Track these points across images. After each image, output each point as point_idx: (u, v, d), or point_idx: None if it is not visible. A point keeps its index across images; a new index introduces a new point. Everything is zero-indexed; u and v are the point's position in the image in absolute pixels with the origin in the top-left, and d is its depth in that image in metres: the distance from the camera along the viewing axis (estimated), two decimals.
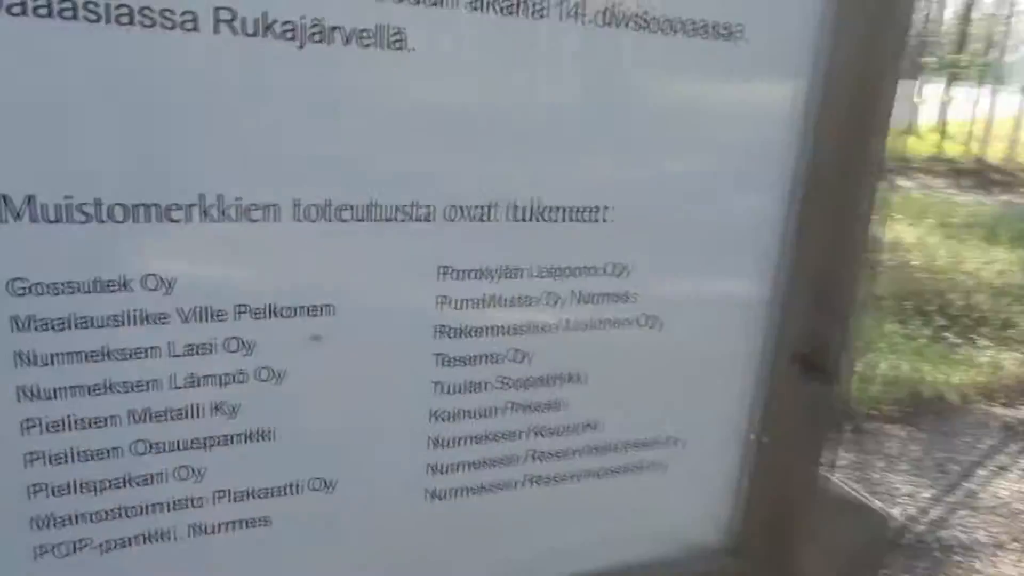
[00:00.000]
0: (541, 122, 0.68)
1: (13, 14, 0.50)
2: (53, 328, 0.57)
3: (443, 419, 0.72)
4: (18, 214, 0.54)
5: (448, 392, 0.72)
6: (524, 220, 0.69)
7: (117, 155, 0.56)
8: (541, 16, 0.64)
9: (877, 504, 1.06)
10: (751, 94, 0.76)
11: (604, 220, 0.72)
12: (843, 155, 0.80)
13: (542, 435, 0.77)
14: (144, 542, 0.65)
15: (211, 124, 0.57)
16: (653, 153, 0.73)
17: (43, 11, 0.51)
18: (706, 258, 0.79)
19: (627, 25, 0.68)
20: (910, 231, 6.90)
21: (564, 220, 0.71)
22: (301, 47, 0.58)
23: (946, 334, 5.17)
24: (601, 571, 0.84)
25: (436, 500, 0.75)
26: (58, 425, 0.59)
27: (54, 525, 0.62)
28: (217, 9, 0.55)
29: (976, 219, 7.71)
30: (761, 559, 0.91)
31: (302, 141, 0.60)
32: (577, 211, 0.71)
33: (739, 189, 0.78)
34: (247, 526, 0.68)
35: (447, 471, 0.74)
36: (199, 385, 0.63)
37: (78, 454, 0.61)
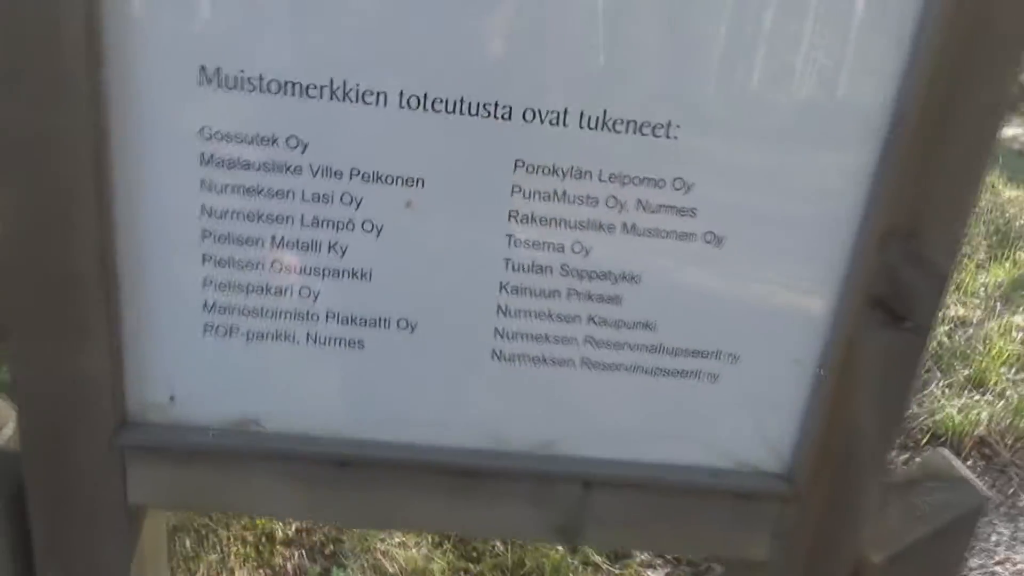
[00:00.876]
0: (611, 37, 0.78)
1: None
2: (226, 166, 0.81)
3: (510, 292, 0.87)
4: (209, 79, 0.78)
5: (516, 269, 0.86)
6: (593, 129, 0.81)
7: (276, 43, 0.77)
8: None
9: (970, 476, 1.01)
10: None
11: (670, 136, 0.81)
12: (955, 81, 0.78)
13: (598, 324, 0.88)
14: (274, 339, 0.87)
15: (344, 22, 0.76)
16: (726, 75, 0.80)
17: None
18: (776, 187, 0.84)
19: None
20: None
21: (630, 132, 0.81)
22: None
23: None
24: (647, 463, 0.94)
25: (500, 361, 0.89)
26: (224, 238, 0.83)
27: (217, 312, 0.86)
28: None
29: None
30: (814, 494, 0.94)
31: (407, 42, 0.77)
32: (643, 126, 0.81)
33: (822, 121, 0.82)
34: (346, 345, 0.88)
35: (511, 337, 0.88)
36: (319, 227, 0.83)
37: (234, 262, 0.84)
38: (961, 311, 4.12)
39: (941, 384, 3.43)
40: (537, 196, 0.83)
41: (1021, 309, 4.19)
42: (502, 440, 0.92)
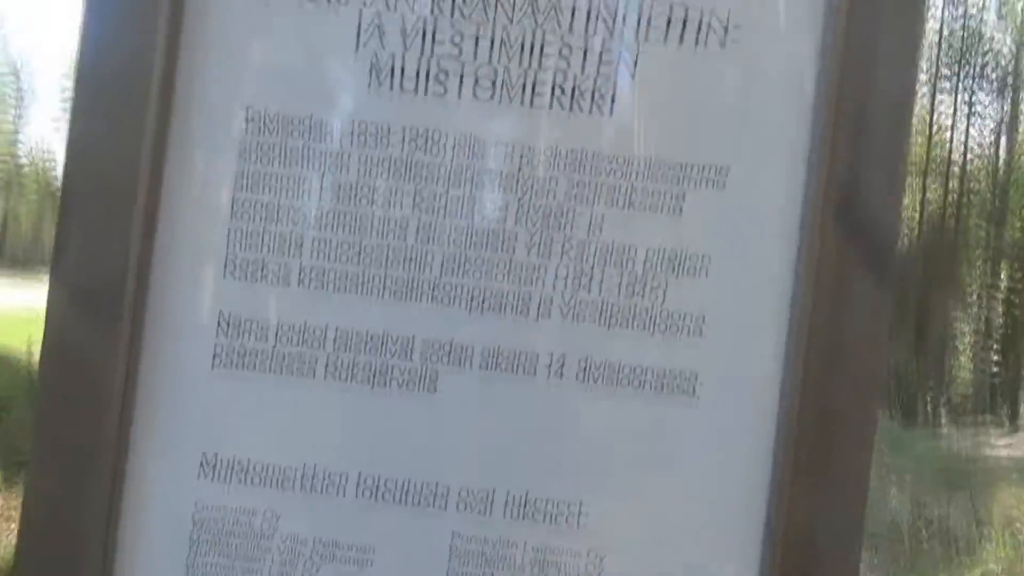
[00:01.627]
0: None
1: None
2: (212, 541, 0.98)
3: None
4: (208, 465, 0.98)
5: None
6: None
7: (266, 434, 0.98)
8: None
9: None
10: None
11: (582, 515, 0.97)
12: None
13: None
14: None
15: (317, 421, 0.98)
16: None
17: None
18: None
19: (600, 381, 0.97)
20: None
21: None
22: None
23: None
24: None
25: None
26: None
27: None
28: None
29: None
30: None
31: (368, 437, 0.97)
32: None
33: None
34: None
35: None
36: None
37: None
38: None
39: None
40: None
41: None
42: None
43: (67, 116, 0.99)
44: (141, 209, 0.94)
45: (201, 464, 0.97)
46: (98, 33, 0.97)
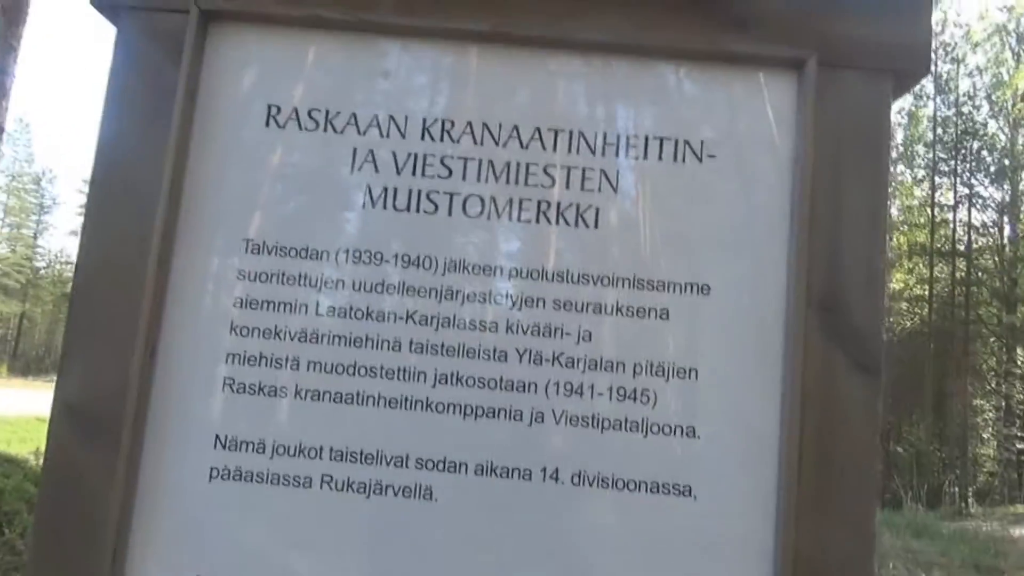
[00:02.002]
0: None
1: None
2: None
3: None
4: None
5: None
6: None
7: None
8: None
9: None
10: None
11: None
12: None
13: None
14: None
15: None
16: None
17: None
18: None
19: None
20: None
21: None
22: None
23: None
24: None
25: None
26: None
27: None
28: None
29: None
30: None
31: None
32: None
33: None
34: None
35: None
36: None
37: None
38: None
39: None
40: None
41: None
42: None
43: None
44: (144, 329, 0.97)
45: (198, 575, 0.97)
46: (110, 156, 1.03)
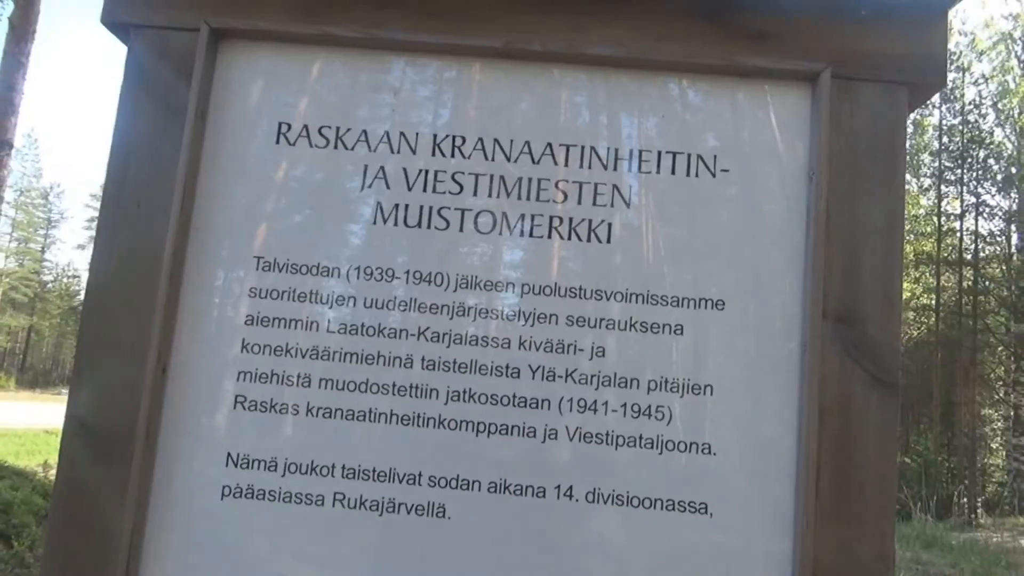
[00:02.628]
0: None
1: None
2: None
3: None
4: None
5: None
6: None
7: None
8: None
9: None
10: None
11: None
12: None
13: None
14: None
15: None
16: None
17: None
18: None
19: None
20: None
21: None
22: None
23: None
24: None
25: None
26: None
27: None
28: None
29: None
30: None
31: None
32: None
33: None
34: None
35: None
36: None
37: None
38: None
39: None
40: None
41: None
42: None
43: (91, 239, 1.04)
44: (155, 346, 0.97)
45: None
46: (121, 174, 1.02)
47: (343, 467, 0.98)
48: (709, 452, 0.98)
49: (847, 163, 1.01)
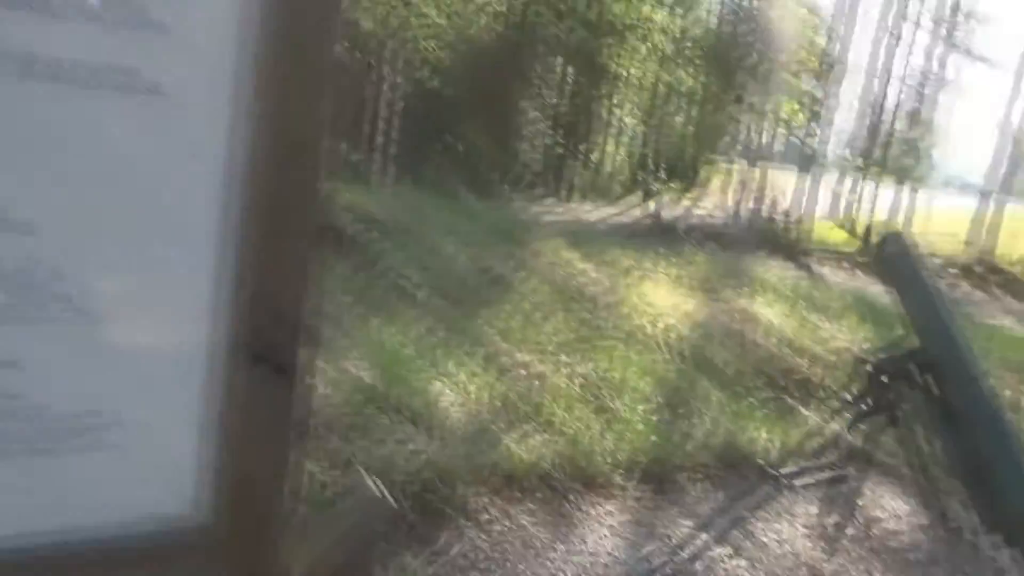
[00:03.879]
0: None
1: None
2: None
3: None
4: None
5: None
6: None
7: None
8: None
9: (374, 489, 1.21)
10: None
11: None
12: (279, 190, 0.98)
13: None
14: None
15: None
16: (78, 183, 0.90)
17: None
18: (141, 267, 0.96)
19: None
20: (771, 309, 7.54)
21: None
22: None
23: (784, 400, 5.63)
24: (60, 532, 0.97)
25: None
26: None
27: None
28: None
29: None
30: (233, 535, 1.05)
31: None
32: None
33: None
34: None
35: None
36: None
37: None
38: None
39: None
40: None
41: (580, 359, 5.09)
42: None
43: None
44: None
45: None
46: None
47: None
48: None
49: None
